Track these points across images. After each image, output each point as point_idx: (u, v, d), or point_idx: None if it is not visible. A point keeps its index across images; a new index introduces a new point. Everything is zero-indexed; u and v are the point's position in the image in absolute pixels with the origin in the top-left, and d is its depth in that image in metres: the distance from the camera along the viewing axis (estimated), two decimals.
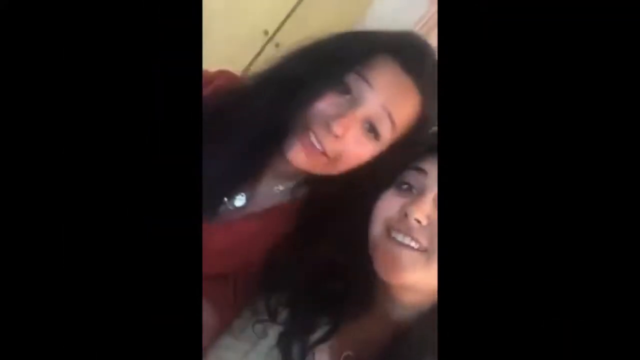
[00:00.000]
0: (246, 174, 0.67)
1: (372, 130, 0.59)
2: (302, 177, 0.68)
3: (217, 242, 0.64)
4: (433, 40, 0.55)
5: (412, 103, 0.60)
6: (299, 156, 0.60)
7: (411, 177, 0.56)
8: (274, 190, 0.69)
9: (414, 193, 0.55)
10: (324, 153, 0.59)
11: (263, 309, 0.60)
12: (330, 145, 0.59)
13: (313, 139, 0.59)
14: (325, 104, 0.58)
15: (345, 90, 0.58)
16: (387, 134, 0.59)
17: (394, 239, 0.53)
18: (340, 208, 0.62)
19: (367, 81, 0.58)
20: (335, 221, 0.62)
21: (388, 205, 0.56)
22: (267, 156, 0.66)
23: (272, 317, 0.60)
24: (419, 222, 0.52)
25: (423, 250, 0.52)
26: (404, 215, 0.53)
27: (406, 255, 0.52)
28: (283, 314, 0.60)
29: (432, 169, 0.54)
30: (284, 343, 0.58)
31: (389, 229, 0.54)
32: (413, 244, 0.52)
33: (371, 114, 0.58)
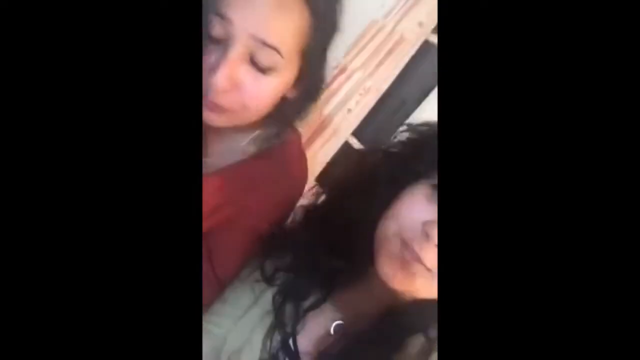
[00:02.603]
0: None
1: (261, 69, 0.53)
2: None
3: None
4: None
5: (291, 17, 0.53)
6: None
7: None
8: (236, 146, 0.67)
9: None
10: (227, 109, 0.56)
11: (263, 270, 0.60)
12: (229, 99, 0.55)
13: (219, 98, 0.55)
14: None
15: (217, 41, 0.53)
16: (272, 62, 0.53)
17: (406, 247, 0.48)
18: (360, 190, 0.58)
19: (226, 19, 0.51)
20: (352, 201, 0.57)
21: (413, 206, 0.49)
22: None
23: (270, 280, 0.60)
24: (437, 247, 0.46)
25: (429, 269, 0.47)
26: (426, 234, 0.46)
27: (413, 269, 0.47)
28: (281, 279, 0.60)
29: None
30: (278, 306, 0.58)
31: (403, 237, 0.48)
32: (426, 262, 0.47)
33: (244, 51, 0.52)
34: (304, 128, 1.21)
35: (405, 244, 0.48)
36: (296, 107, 0.65)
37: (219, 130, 0.61)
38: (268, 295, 0.60)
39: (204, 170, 0.63)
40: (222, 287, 0.64)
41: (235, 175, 0.65)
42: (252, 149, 0.67)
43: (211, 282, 0.63)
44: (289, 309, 0.58)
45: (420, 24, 1.25)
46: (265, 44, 0.52)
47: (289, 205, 0.69)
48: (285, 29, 0.53)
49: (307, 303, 0.58)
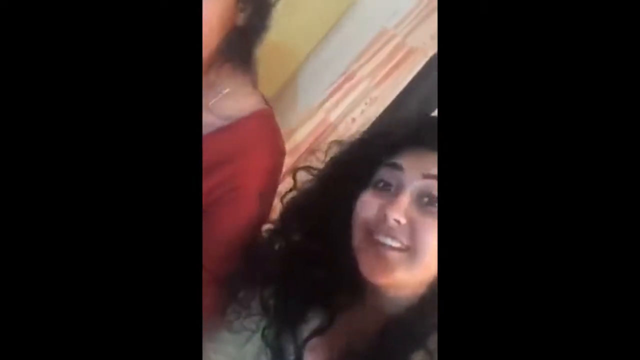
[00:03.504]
0: None
1: None
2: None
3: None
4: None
5: None
6: None
7: (386, 173, 0.55)
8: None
9: (391, 191, 0.54)
10: None
11: (255, 302, 0.60)
12: None
13: None
14: None
15: None
16: None
17: (376, 240, 0.53)
18: (322, 207, 0.60)
19: None
20: (319, 220, 0.61)
21: (367, 206, 0.55)
22: None
23: (265, 311, 0.60)
24: (398, 222, 0.51)
25: (405, 249, 0.52)
26: (383, 216, 0.52)
27: (389, 256, 0.52)
28: (273, 307, 0.60)
29: (407, 164, 0.54)
30: (274, 337, 0.58)
31: (370, 231, 0.54)
32: (395, 243, 0.52)
33: None
34: (306, 134, 1.19)
35: (372, 237, 0.53)
36: (250, 35, 0.65)
37: None
38: (265, 328, 0.60)
39: None
40: (221, 282, 0.61)
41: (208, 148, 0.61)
42: (216, 118, 0.64)
43: (209, 280, 0.59)
44: (287, 340, 0.58)
45: (432, 37, 1.23)
46: None
47: (271, 177, 0.67)
48: None
49: (307, 330, 0.58)
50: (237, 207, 0.64)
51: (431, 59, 1.27)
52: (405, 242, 0.51)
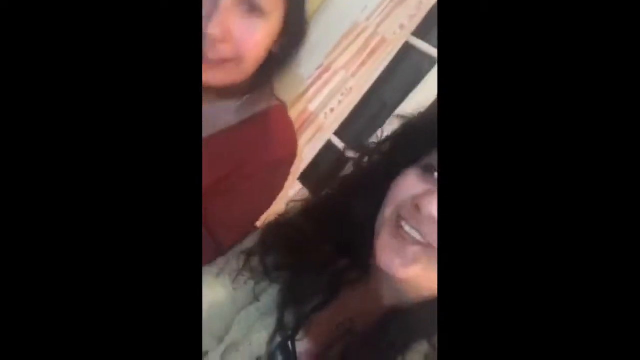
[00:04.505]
0: None
1: (252, 8, 0.56)
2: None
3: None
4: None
5: None
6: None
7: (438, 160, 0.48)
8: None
9: (435, 178, 0.48)
10: (223, 61, 0.58)
11: (261, 265, 0.58)
12: (223, 50, 0.57)
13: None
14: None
15: None
16: (269, 6, 0.57)
17: (402, 227, 0.47)
18: (358, 183, 0.58)
19: None
20: (351, 195, 0.57)
21: (406, 186, 0.49)
22: None
23: (268, 275, 0.58)
24: (432, 217, 0.45)
25: (428, 245, 0.46)
26: (416, 206, 0.46)
27: (410, 249, 0.46)
28: (283, 277, 0.58)
29: None
30: (279, 306, 0.56)
31: (399, 215, 0.48)
32: (420, 237, 0.46)
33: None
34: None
35: (400, 223, 0.47)
36: (278, 63, 0.67)
37: (207, 98, 0.63)
38: (268, 294, 0.58)
39: None
40: (222, 251, 0.64)
41: (226, 141, 0.67)
42: (237, 117, 0.69)
43: (210, 248, 0.64)
44: (290, 309, 0.56)
45: (401, 26, 1.29)
46: None
47: (283, 169, 0.72)
48: None
49: (310, 305, 0.56)
50: (253, 192, 0.69)
51: (402, 48, 1.33)
52: (433, 238, 0.45)
